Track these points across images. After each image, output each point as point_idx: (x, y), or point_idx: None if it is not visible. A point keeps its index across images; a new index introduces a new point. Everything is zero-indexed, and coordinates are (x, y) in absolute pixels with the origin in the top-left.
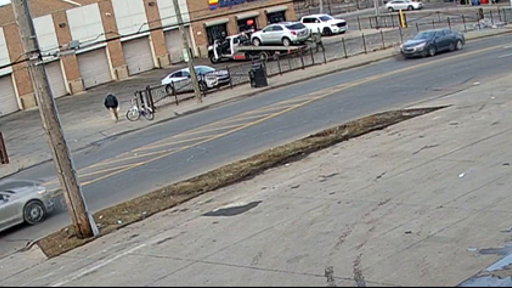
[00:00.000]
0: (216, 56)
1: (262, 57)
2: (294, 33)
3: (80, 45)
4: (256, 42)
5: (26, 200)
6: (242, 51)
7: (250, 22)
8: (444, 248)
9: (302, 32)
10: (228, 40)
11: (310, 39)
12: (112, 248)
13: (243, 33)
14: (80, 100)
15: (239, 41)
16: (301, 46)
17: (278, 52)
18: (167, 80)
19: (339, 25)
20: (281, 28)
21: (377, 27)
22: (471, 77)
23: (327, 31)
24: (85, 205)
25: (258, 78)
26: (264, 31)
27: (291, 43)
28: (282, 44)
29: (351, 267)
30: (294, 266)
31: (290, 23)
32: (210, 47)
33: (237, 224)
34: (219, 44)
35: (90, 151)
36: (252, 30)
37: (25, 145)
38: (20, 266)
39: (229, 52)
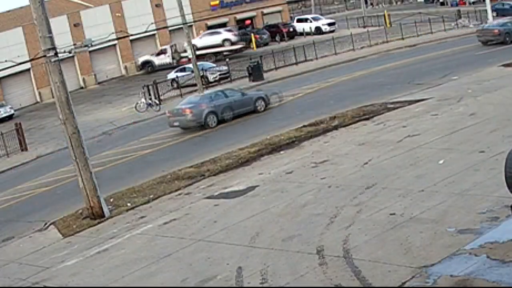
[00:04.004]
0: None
1: (209, 60)
2: (235, 35)
3: (93, 43)
4: (193, 48)
5: (257, 97)
6: (186, 57)
7: (248, 22)
8: (425, 228)
9: (239, 33)
10: (165, 49)
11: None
12: (122, 229)
13: (174, 43)
14: (93, 93)
15: (174, 49)
16: (240, 46)
17: (227, 53)
18: (172, 75)
19: (329, 24)
20: (220, 32)
21: (364, 27)
22: (450, 72)
23: (318, 30)
24: (97, 189)
25: (256, 73)
26: (200, 37)
27: (233, 43)
28: (222, 46)
29: (340, 246)
30: (288, 244)
31: (228, 27)
32: (144, 58)
33: (236, 207)
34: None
35: (101, 140)
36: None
37: (42, 134)
38: (38, 245)
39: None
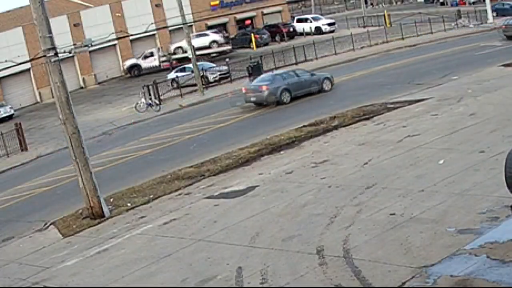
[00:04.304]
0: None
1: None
2: (222, 36)
3: (93, 43)
4: (180, 50)
5: (324, 77)
6: (176, 59)
7: (248, 22)
8: (425, 228)
9: (224, 36)
10: (152, 52)
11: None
12: (122, 228)
13: (159, 47)
14: (93, 93)
15: (159, 53)
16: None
17: (215, 54)
18: (172, 75)
19: (329, 24)
20: (207, 35)
21: (364, 27)
22: (450, 72)
23: (318, 30)
24: (97, 189)
25: (256, 73)
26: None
27: (220, 45)
28: (210, 48)
29: (340, 246)
30: (288, 244)
31: (214, 29)
32: (131, 62)
33: (236, 207)
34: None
35: (101, 140)
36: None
37: (42, 134)
38: (38, 245)
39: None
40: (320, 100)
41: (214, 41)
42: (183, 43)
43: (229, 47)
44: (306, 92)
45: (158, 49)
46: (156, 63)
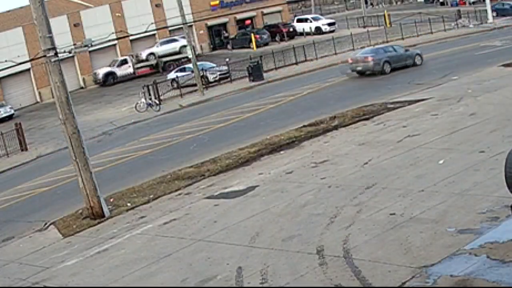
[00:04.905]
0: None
1: (172, 67)
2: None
3: (93, 43)
4: (152, 57)
5: (416, 53)
6: (150, 65)
7: (248, 22)
8: (425, 228)
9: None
10: (125, 59)
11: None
12: (122, 229)
13: (133, 53)
14: (93, 93)
15: (134, 59)
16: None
17: (184, 59)
18: (172, 75)
19: (329, 24)
20: (176, 40)
21: (364, 27)
22: (450, 72)
23: (318, 30)
24: (97, 189)
25: (256, 73)
26: (157, 46)
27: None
28: (180, 53)
29: (340, 246)
30: (288, 244)
31: (182, 34)
32: (106, 70)
33: (236, 207)
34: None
35: (101, 140)
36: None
37: (42, 134)
38: (38, 245)
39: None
40: (413, 72)
41: (184, 46)
42: (155, 49)
43: (198, 52)
44: (402, 65)
45: (131, 55)
46: (131, 70)
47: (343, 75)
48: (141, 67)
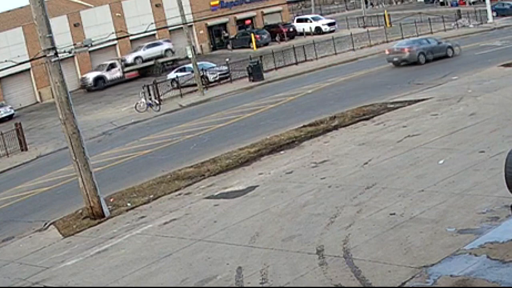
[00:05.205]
0: (109, 76)
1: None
2: (173, 44)
3: (93, 43)
4: (139, 60)
5: (447, 45)
6: (138, 69)
7: (248, 22)
8: (425, 228)
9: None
10: (113, 63)
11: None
12: (122, 228)
13: (119, 57)
14: (93, 93)
15: (122, 63)
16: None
17: (169, 63)
18: (172, 75)
19: (329, 24)
20: (160, 43)
21: (364, 27)
22: (450, 72)
23: (318, 30)
24: (97, 189)
25: (256, 73)
26: (143, 50)
27: (173, 53)
28: (165, 56)
29: (340, 246)
30: (288, 245)
31: (165, 38)
32: (96, 74)
33: (236, 207)
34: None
35: (101, 140)
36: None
37: (42, 134)
38: (38, 245)
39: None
40: (445, 63)
41: (168, 50)
42: (141, 53)
43: (178, 56)
44: (435, 57)
45: (119, 59)
46: (120, 74)
47: (390, 63)
48: (129, 70)
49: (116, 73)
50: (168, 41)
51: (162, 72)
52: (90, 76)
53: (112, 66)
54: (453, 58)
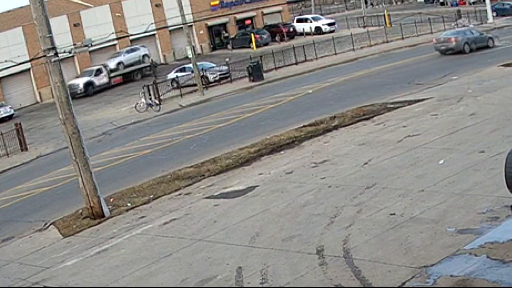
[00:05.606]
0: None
1: (139, 75)
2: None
3: (93, 43)
4: (121, 66)
5: (488, 36)
6: (122, 74)
7: (248, 22)
8: (425, 228)
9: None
10: (99, 69)
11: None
12: (122, 228)
13: (103, 64)
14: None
15: (107, 69)
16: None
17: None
18: (172, 75)
19: (329, 24)
20: (138, 49)
21: (364, 27)
22: (450, 72)
23: (318, 30)
24: (97, 189)
25: (256, 73)
26: (123, 55)
27: (149, 58)
28: (143, 62)
29: (340, 246)
30: (288, 245)
31: (142, 44)
32: (85, 79)
33: (236, 207)
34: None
35: (101, 140)
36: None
37: (42, 134)
38: (38, 245)
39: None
40: (487, 53)
41: (146, 55)
42: (122, 58)
43: (156, 62)
44: (478, 47)
45: (104, 65)
46: (106, 79)
47: (437, 51)
48: (115, 76)
49: (103, 79)
50: (144, 46)
51: (142, 78)
52: (80, 81)
53: (99, 71)
54: (493, 48)
